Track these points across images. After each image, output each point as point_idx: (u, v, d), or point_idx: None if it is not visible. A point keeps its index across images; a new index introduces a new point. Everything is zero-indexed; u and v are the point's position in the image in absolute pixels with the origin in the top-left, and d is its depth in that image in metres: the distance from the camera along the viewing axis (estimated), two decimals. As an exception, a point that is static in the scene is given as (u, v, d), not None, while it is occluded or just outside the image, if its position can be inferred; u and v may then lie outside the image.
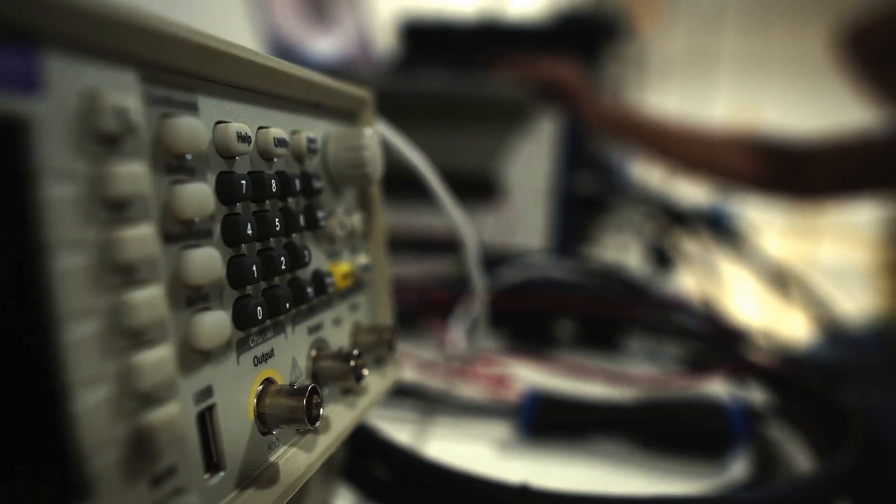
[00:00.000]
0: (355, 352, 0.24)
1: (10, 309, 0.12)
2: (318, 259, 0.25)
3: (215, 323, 0.17)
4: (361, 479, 0.32)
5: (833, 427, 0.38)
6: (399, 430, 0.37)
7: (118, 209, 0.14)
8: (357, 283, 0.28)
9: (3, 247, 0.12)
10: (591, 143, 1.04)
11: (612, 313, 0.55)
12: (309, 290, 0.23)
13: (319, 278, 0.24)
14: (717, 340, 0.54)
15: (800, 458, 0.38)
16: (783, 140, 0.96)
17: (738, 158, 0.96)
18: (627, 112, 0.98)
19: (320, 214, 0.24)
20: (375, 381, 0.28)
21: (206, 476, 0.18)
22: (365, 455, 0.32)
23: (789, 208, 1.03)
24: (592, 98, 0.92)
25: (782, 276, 0.91)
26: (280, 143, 0.21)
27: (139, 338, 0.15)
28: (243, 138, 0.19)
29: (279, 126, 0.22)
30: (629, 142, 0.99)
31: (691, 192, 1.35)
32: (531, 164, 0.76)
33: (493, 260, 0.62)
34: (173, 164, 0.17)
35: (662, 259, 0.91)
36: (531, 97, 0.76)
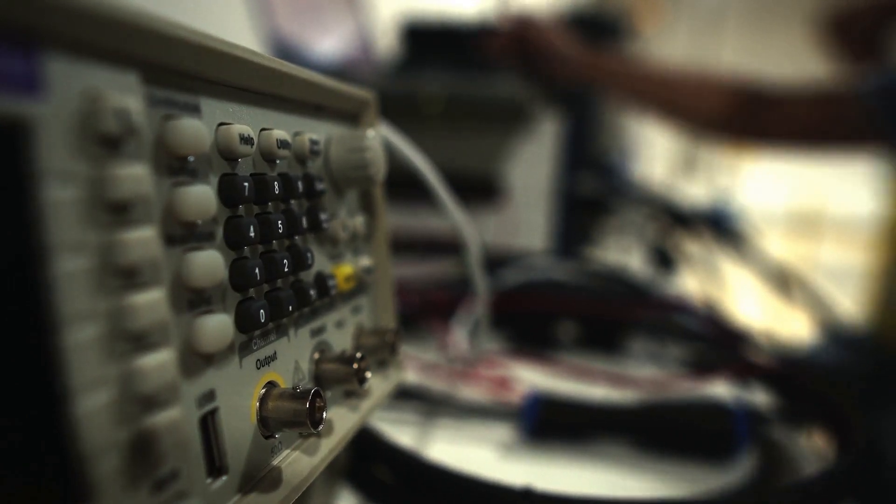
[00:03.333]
0: (358, 354, 0.24)
1: (11, 311, 0.12)
2: (320, 261, 0.25)
3: (218, 326, 0.17)
4: (364, 481, 0.32)
5: (837, 428, 0.38)
6: (401, 433, 0.37)
7: (120, 211, 0.14)
8: (360, 286, 0.28)
9: (4, 249, 0.12)
10: (594, 145, 1.04)
11: (615, 315, 0.54)
12: (312, 292, 0.23)
13: (322, 281, 0.24)
14: (719, 342, 0.54)
15: (804, 459, 0.38)
16: (757, 82, 0.97)
17: (711, 99, 0.96)
18: (600, 56, 0.98)
19: (323, 216, 0.24)
20: (378, 384, 0.28)
21: (209, 480, 0.18)
22: (368, 457, 0.32)
23: (743, 148, 1.06)
24: (560, 41, 0.92)
25: (784, 277, 0.91)
26: (283, 144, 0.21)
27: (141, 341, 0.15)
28: (246, 140, 0.19)
29: (282, 128, 0.22)
30: (603, 87, 0.99)
31: (693, 192, 1.35)
32: (533, 165, 0.76)
33: (495, 261, 0.62)
34: (175, 165, 0.17)
35: (664, 260, 0.91)
36: (530, 91, 0.75)
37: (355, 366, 0.24)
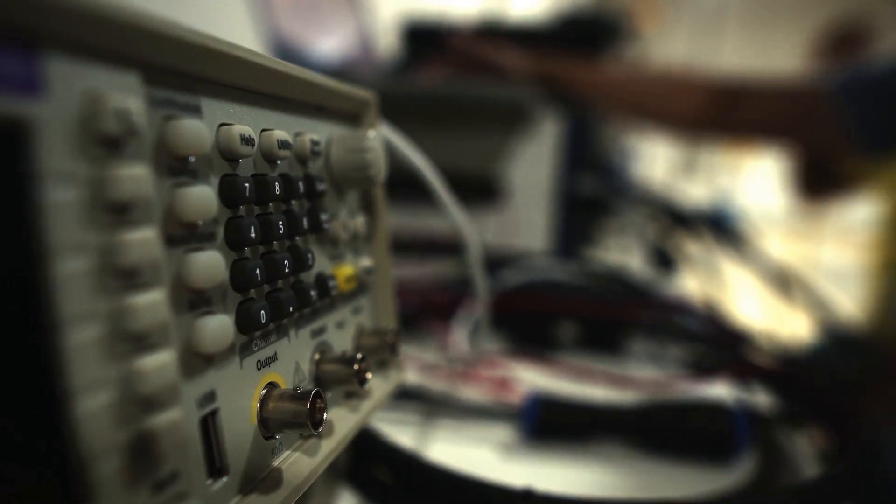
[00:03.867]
0: (358, 355, 0.24)
1: (11, 313, 0.12)
2: (321, 262, 0.25)
3: (218, 327, 0.17)
4: (364, 482, 0.32)
5: (837, 429, 0.38)
6: (401, 433, 0.37)
7: (120, 212, 0.14)
8: (360, 286, 0.28)
9: (5, 250, 0.12)
10: (594, 145, 1.03)
11: (615, 316, 0.54)
12: (312, 293, 0.23)
13: (323, 281, 0.24)
14: (720, 342, 0.54)
15: (804, 460, 0.38)
16: (730, 77, 0.96)
17: (684, 101, 0.95)
18: (557, 64, 0.95)
19: (323, 217, 0.24)
20: (378, 385, 0.28)
21: (209, 481, 0.18)
22: (367, 458, 0.32)
23: (717, 147, 1.06)
24: (503, 57, 0.91)
25: (784, 278, 0.91)
26: (283, 145, 0.21)
27: (141, 342, 0.15)
28: (247, 140, 0.19)
29: (282, 128, 0.22)
30: (563, 93, 0.96)
31: (694, 193, 1.35)
32: (533, 165, 0.76)
33: (496, 262, 0.62)
34: (176, 166, 0.17)
35: (664, 261, 0.91)
36: (530, 93, 0.75)
37: (356, 367, 0.24)
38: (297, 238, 0.23)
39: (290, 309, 0.21)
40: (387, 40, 1.27)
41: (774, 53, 4.57)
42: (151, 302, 0.15)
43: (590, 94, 0.94)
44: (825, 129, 0.85)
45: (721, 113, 0.93)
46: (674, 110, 0.96)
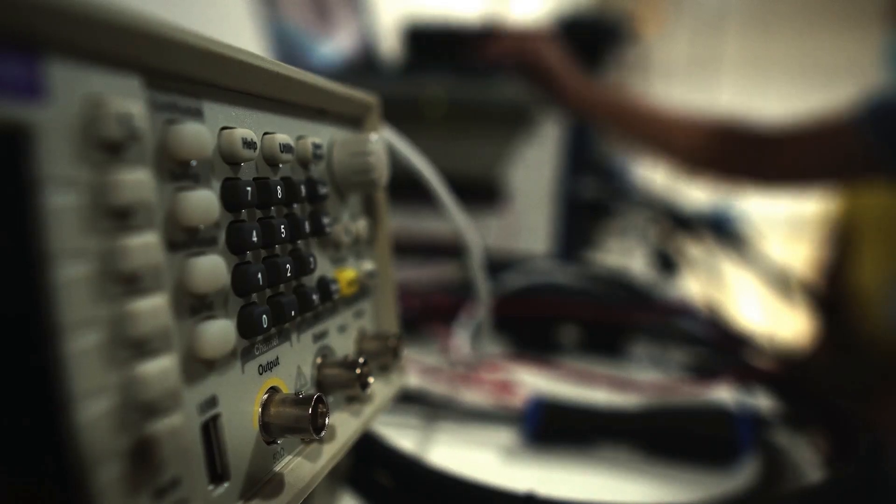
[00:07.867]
0: (360, 359, 0.24)
1: (11, 318, 0.12)
2: (323, 266, 0.25)
3: (220, 332, 0.17)
4: (365, 486, 0.32)
5: (841, 434, 0.38)
6: (403, 437, 0.36)
7: (122, 217, 0.14)
8: (362, 290, 0.28)
9: (5, 256, 0.12)
10: (596, 147, 1.03)
11: (617, 319, 0.54)
12: (314, 297, 0.23)
13: (325, 285, 0.24)
14: (722, 346, 0.54)
15: (808, 465, 0.38)
16: (752, 125, 0.95)
17: (706, 142, 0.93)
18: (604, 93, 0.94)
19: (326, 221, 0.24)
20: (380, 389, 0.28)
21: (211, 487, 0.18)
22: (369, 462, 0.32)
23: (752, 191, 1.01)
24: (572, 79, 0.89)
25: (786, 280, 0.91)
26: (286, 148, 0.21)
27: (143, 347, 0.14)
28: (249, 144, 0.19)
29: (285, 132, 0.22)
30: (603, 122, 0.95)
31: (695, 195, 1.35)
32: (535, 168, 0.76)
33: (497, 265, 0.62)
34: (178, 170, 0.17)
35: (666, 264, 0.91)
36: (531, 96, 0.75)
37: (358, 371, 0.24)
38: (299, 242, 0.23)
39: (292, 313, 0.21)
40: (389, 43, 1.27)
41: (775, 55, 4.57)
42: (153, 307, 0.15)
43: (621, 120, 0.92)
44: (859, 161, 0.84)
45: (741, 155, 0.92)
46: (684, 142, 0.94)
